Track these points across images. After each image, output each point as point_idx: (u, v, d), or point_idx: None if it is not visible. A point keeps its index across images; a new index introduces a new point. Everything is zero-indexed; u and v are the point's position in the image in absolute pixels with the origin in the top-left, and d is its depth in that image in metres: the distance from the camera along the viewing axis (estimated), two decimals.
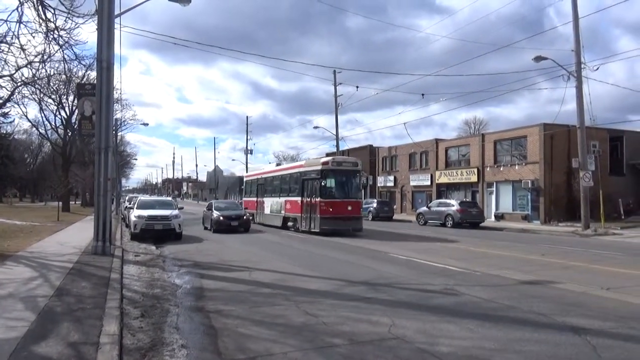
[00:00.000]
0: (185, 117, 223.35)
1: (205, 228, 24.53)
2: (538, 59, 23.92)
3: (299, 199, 23.23)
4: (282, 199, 25.64)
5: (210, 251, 15.01)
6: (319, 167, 21.93)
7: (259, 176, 31.32)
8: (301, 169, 23.83)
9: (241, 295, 8.24)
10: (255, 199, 30.87)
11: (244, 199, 34.14)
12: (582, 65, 24.37)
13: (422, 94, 31.05)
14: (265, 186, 29.39)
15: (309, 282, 9.60)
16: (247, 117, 79.48)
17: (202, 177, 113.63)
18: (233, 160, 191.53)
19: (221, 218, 22.73)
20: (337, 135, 46.94)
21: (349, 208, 21.53)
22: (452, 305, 7.59)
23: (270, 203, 27.71)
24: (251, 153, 76.36)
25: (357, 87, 40.46)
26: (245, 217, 23.57)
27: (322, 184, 21.46)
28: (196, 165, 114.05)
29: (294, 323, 6.38)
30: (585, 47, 24.21)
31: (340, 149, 48.95)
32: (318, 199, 21.53)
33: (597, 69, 24.79)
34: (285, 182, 25.94)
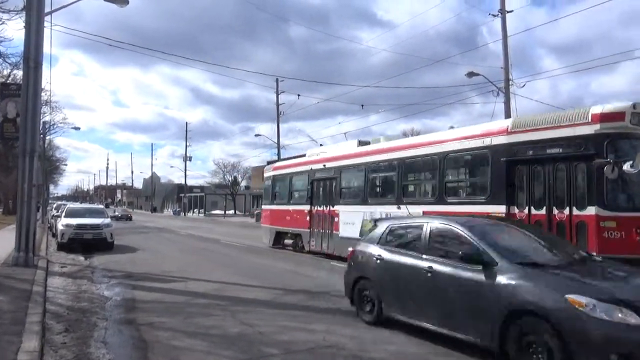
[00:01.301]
0: (120, 121, 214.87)
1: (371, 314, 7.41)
2: (470, 74, 25.11)
3: (499, 208, 9.75)
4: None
5: (145, 261, 14.46)
6: (592, 130, 8.52)
7: (317, 165, 16.25)
8: (502, 138, 9.81)
9: (175, 307, 7.99)
10: (303, 207, 16.50)
11: (265, 207, 19.86)
12: (510, 82, 25.83)
13: (362, 105, 31.71)
14: (340, 183, 15.02)
15: (247, 291, 9.48)
16: (186, 123, 77.79)
17: (138, 184, 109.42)
18: (171, 167, 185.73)
19: None
20: (278, 143, 46.95)
21: None
22: None
23: (362, 217, 13.44)
24: (190, 160, 74.61)
25: (299, 95, 40.52)
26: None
27: (611, 169, 8.14)
28: (132, 172, 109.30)
29: (230, 334, 6.28)
30: (513, 64, 25.89)
31: (281, 157, 48.96)
32: (592, 212, 8.42)
33: (524, 85, 26.43)
34: (428, 170, 12.16)
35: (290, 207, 17.41)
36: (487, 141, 10.13)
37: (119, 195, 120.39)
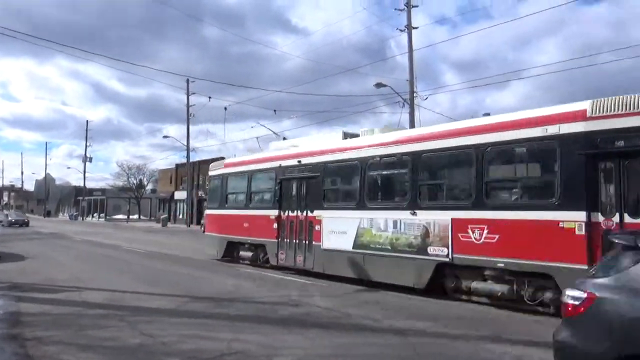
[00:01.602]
0: (9, 116, 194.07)
1: None
2: (378, 85, 26.19)
3: (576, 215, 7.60)
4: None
5: (35, 270, 13.20)
6: None
7: (289, 161, 13.39)
8: (579, 126, 7.78)
9: (67, 319, 7.39)
10: (269, 213, 13.62)
11: (212, 212, 16.78)
12: (415, 94, 27.37)
13: (275, 110, 31.73)
14: (324, 183, 12.32)
15: (150, 300, 9.03)
16: (87, 121, 72.63)
17: (29, 186, 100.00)
18: (69, 168, 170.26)
19: None
20: (187, 145, 45.63)
21: None
22: (294, 316, 7.81)
23: (357, 225, 11.01)
24: (90, 161, 69.93)
25: (210, 97, 39.52)
26: None
27: None
28: (22, 173, 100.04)
29: (129, 345, 5.93)
30: (418, 78, 27.31)
31: (191, 160, 47.54)
32: None
33: (426, 98, 28.00)
34: (459, 166, 9.97)
35: (250, 212, 14.45)
36: (553, 129, 7.98)
37: (5, 198, 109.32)
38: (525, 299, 8.02)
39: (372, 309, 8.32)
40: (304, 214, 12.55)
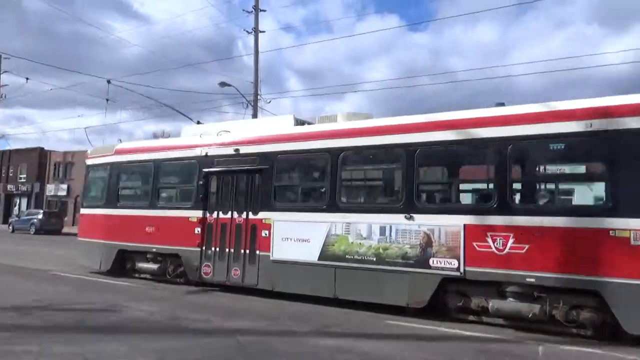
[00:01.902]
0: None
1: None
2: (223, 84, 25.99)
3: None
4: None
5: None
6: None
7: (220, 149, 10.81)
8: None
9: None
10: (188, 214, 10.89)
11: (93, 211, 13.15)
12: (259, 97, 27.82)
13: (107, 99, 28.92)
14: (274, 178, 9.98)
15: None
16: None
17: None
18: None
19: None
20: None
21: None
22: (115, 322, 7.32)
23: (326, 231, 9.05)
24: None
25: (27, 78, 34.47)
26: None
27: None
28: None
29: None
30: (263, 81, 27.86)
31: (0, 149, 41.18)
32: None
33: (270, 102, 28.72)
34: (476, 162, 8.65)
35: (157, 213, 11.43)
36: (601, 124, 6.91)
37: None
38: (561, 320, 6.96)
39: (201, 311, 8.21)
40: (243, 216, 10.19)
